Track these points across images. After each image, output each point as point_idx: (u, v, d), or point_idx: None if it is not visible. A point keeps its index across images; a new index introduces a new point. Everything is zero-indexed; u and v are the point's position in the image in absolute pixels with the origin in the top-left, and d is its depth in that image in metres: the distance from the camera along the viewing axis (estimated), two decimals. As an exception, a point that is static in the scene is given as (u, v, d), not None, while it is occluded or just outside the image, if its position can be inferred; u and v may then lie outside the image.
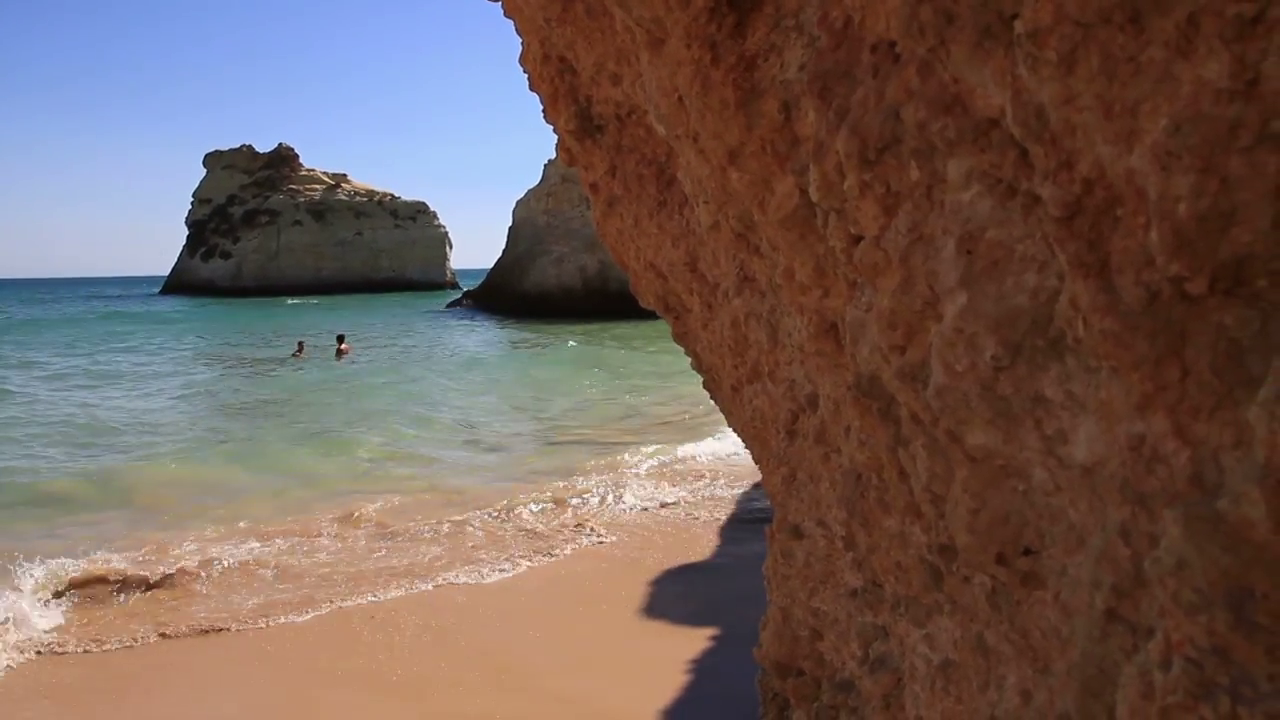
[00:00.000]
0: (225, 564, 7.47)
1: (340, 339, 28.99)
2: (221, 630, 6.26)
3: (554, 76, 2.95)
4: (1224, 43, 0.70)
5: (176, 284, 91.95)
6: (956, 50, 0.95)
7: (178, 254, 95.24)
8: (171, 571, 7.22)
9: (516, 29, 3.11)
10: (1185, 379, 0.81)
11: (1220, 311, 0.78)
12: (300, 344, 29.23)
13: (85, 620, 6.51)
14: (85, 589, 6.99)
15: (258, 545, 8.11)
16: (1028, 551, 1.12)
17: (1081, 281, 0.88)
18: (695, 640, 6.00)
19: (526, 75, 3.20)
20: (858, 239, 1.22)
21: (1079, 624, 1.01)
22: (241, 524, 8.81)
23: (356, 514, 9.08)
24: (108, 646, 5.99)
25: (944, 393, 1.11)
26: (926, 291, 1.10)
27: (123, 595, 6.93)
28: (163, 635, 6.17)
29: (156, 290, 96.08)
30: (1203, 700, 0.78)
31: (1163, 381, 0.82)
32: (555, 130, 3.20)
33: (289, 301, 70.62)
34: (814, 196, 1.30)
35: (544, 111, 3.20)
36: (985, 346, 1.03)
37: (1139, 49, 0.76)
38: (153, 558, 7.69)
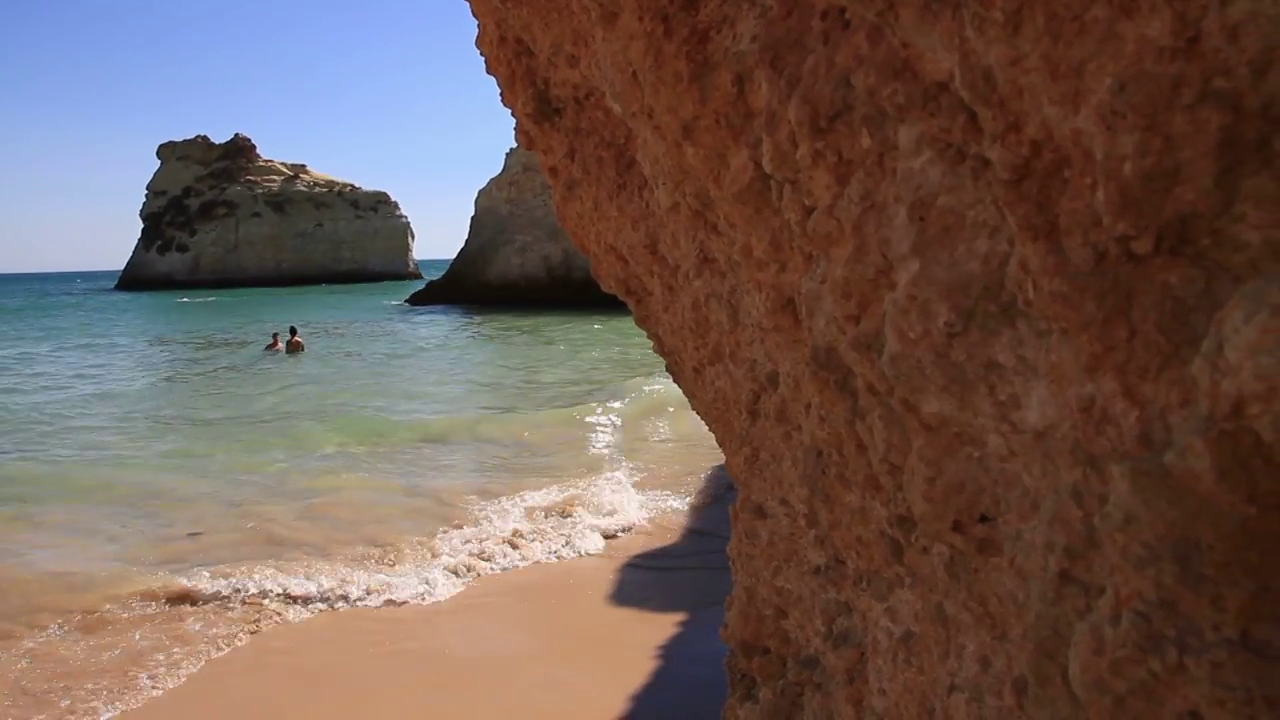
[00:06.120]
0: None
1: (293, 331, 28.18)
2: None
3: (511, 59, 2.91)
4: (1165, 0, 0.71)
5: (132, 279, 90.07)
6: (905, 14, 0.94)
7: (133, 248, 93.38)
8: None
9: (473, 10, 3.06)
10: (1133, 339, 0.82)
11: (1165, 271, 0.79)
12: (275, 336, 28.19)
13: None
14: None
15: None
16: (984, 518, 1.13)
17: (1031, 244, 0.88)
18: (664, 625, 6.03)
19: (483, 58, 3.16)
20: (811, 210, 1.22)
21: (1034, 587, 1.02)
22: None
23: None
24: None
25: (898, 361, 1.11)
26: (879, 260, 1.10)
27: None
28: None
29: (113, 285, 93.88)
30: (1151, 653, 0.79)
31: (1111, 342, 0.83)
32: (513, 113, 3.16)
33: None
34: (768, 168, 1.30)
35: (501, 95, 3.16)
36: (938, 313, 1.03)
37: (1083, 8, 0.76)
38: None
